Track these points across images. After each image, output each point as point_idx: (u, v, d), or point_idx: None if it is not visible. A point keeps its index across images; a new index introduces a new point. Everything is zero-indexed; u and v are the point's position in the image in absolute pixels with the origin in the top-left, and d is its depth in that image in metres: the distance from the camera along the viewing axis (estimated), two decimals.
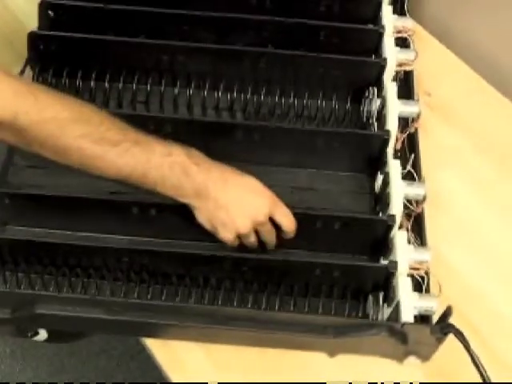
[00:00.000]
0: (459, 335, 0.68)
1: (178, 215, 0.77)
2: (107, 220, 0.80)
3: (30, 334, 0.79)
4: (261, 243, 0.78)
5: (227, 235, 0.75)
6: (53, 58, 0.89)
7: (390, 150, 0.82)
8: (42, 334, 0.78)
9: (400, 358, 0.74)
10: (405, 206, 0.78)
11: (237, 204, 0.74)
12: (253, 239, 0.76)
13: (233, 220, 0.74)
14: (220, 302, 0.76)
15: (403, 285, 0.72)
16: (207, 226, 0.76)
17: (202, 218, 0.75)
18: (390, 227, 0.76)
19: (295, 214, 0.76)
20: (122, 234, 0.81)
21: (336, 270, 0.75)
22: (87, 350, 1.37)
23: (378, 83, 0.88)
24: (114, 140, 0.73)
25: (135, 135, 0.74)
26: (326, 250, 0.80)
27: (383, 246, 0.78)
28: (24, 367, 1.36)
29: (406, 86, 0.92)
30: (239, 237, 0.76)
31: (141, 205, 0.78)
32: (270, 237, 0.77)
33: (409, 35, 0.93)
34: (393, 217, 0.76)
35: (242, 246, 0.77)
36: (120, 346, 1.38)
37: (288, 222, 0.76)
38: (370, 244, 0.80)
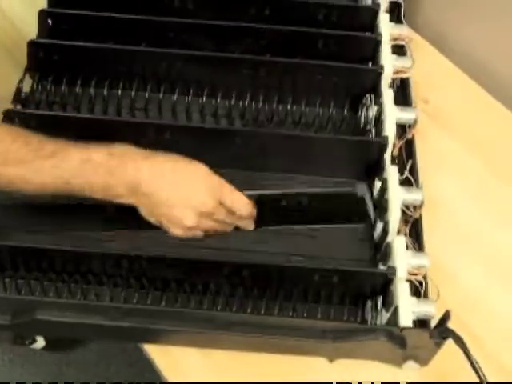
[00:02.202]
0: (458, 340, 0.68)
1: None
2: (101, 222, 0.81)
3: (27, 342, 0.79)
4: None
5: (176, 231, 0.73)
6: (52, 66, 0.89)
7: (387, 156, 0.83)
8: (40, 342, 0.79)
9: (399, 362, 0.74)
10: (403, 212, 0.78)
11: (176, 198, 0.72)
12: (207, 227, 0.74)
13: (176, 215, 0.72)
14: (219, 308, 0.76)
15: (402, 290, 0.73)
16: (155, 223, 0.74)
17: (145, 215, 0.73)
18: (382, 237, 0.77)
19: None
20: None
21: (335, 276, 0.75)
22: (85, 358, 1.37)
23: (375, 90, 0.88)
24: (27, 159, 0.70)
25: (53, 146, 0.72)
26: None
27: (380, 251, 0.79)
28: (22, 375, 1.36)
29: (403, 93, 0.93)
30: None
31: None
32: (229, 223, 0.75)
33: (406, 43, 0.93)
34: (387, 224, 0.77)
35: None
36: (119, 354, 1.38)
37: (240, 206, 0.73)
38: (370, 249, 0.81)
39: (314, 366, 0.75)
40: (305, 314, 0.76)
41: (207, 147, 0.83)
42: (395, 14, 0.98)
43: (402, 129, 0.86)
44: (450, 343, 0.69)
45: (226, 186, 0.74)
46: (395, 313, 0.72)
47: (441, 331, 0.69)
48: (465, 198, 0.89)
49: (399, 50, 0.93)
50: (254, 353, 0.74)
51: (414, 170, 0.84)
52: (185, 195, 0.72)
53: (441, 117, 0.96)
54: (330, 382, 0.73)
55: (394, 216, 0.77)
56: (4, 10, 1.06)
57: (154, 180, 0.71)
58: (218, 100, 0.90)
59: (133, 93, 0.90)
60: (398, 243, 0.76)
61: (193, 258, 0.75)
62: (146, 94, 0.89)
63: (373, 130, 0.87)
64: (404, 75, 0.91)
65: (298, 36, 0.92)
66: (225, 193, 0.74)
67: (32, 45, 0.88)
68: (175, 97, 0.89)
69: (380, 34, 0.92)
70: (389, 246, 0.76)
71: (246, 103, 0.90)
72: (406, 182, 0.81)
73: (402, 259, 0.75)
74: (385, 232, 0.78)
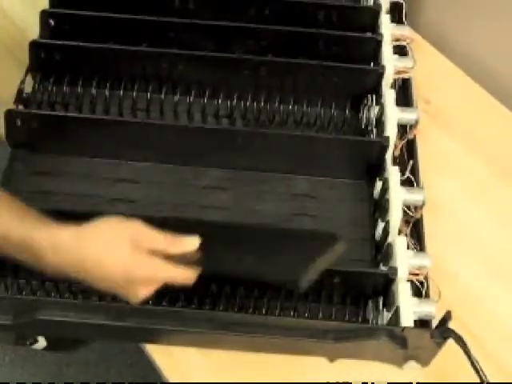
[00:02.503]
0: (459, 340, 0.68)
1: None
2: None
3: (29, 342, 0.79)
4: None
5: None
6: (54, 67, 0.90)
7: (388, 157, 0.83)
8: (41, 342, 0.78)
9: (400, 362, 0.74)
10: (404, 212, 0.79)
11: (108, 287, 0.67)
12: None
13: (121, 297, 0.68)
14: (220, 308, 0.76)
15: (403, 290, 0.73)
16: None
17: None
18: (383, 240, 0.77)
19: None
20: None
21: (336, 276, 0.75)
22: (86, 359, 1.37)
23: (377, 90, 0.89)
24: None
25: None
26: None
27: (383, 252, 0.79)
28: (22, 375, 1.36)
29: (405, 94, 0.93)
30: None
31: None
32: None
33: (407, 43, 0.94)
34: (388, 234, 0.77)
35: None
36: (119, 354, 1.37)
37: (180, 280, 0.66)
38: (371, 249, 0.81)
39: (314, 365, 0.75)
40: (306, 314, 0.76)
41: (209, 147, 0.84)
42: (396, 15, 0.98)
43: (403, 129, 0.86)
44: (450, 343, 0.69)
45: (153, 261, 0.65)
46: (396, 313, 0.72)
47: (442, 331, 0.69)
48: (465, 198, 0.89)
49: (400, 50, 0.93)
50: (254, 353, 0.74)
51: (415, 171, 0.84)
52: (112, 286, 0.67)
53: (442, 117, 0.97)
54: (330, 382, 0.73)
55: (395, 216, 0.77)
56: (5, 10, 1.06)
57: (76, 266, 0.66)
58: (220, 100, 0.90)
59: (134, 93, 0.90)
60: (399, 243, 0.76)
61: None
62: (148, 95, 0.89)
63: (374, 131, 0.87)
64: (405, 75, 0.92)
65: (299, 36, 0.92)
66: (152, 273, 0.66)
67: (34, 45, 0.88)
68: (177, 97, 0.89)
69: (381, 35, 0.92)
70: (390, 247, 0.76)
71: (248, 104, 0.90)
72: (407, 183, 0.81)
73: (403, 259, 0.75)
74: (386, 232, 0.78)
